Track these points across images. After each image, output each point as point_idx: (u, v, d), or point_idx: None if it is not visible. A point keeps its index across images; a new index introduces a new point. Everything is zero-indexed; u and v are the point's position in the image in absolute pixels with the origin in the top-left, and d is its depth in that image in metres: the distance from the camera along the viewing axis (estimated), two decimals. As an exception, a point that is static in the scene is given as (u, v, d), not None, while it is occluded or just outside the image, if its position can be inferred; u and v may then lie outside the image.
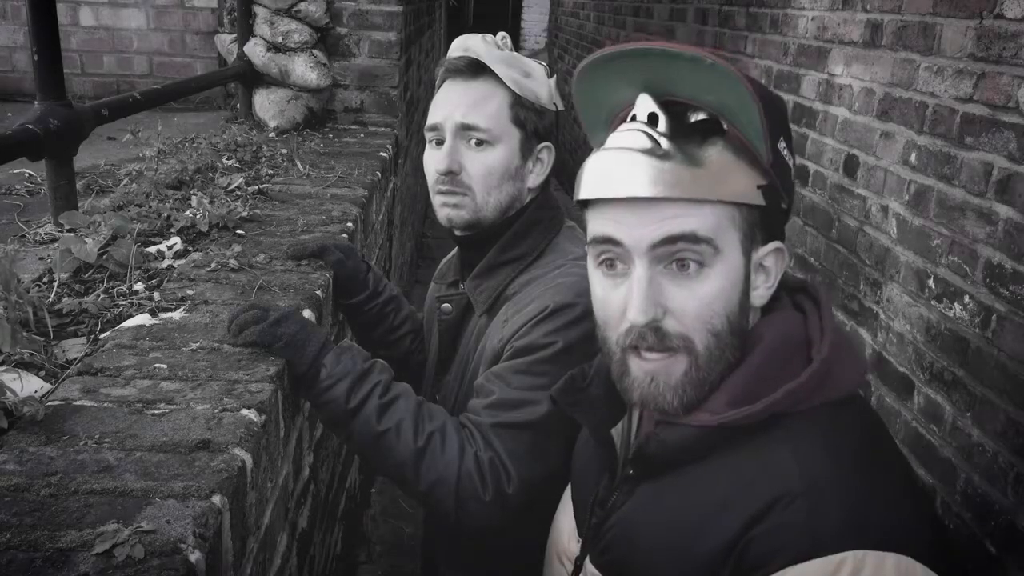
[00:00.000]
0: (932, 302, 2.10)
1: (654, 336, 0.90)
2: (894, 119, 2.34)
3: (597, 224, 0.95)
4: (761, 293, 0.95)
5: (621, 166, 0.90)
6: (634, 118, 0.93)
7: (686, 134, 0.91)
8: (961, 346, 1.97)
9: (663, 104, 0.92)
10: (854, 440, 0.90)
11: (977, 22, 1.96)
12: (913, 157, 2.23)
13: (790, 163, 0.96)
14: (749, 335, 0.94)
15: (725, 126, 0.92)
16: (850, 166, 2.59)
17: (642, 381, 0.93)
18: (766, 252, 0.94)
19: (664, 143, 0.89)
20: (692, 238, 0.88)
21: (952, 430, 1.99)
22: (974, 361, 1.91)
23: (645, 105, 0.92)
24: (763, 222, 0.94)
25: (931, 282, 2.11)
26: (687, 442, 0.92)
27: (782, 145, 0.94)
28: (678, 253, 0.89)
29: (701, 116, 0.93)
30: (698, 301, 0.90)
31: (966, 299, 1.96)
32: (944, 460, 2.01)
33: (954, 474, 1.97)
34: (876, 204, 2.42)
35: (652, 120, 0.91)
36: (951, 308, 2.02)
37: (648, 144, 0.89)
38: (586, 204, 0.97)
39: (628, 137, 0.91)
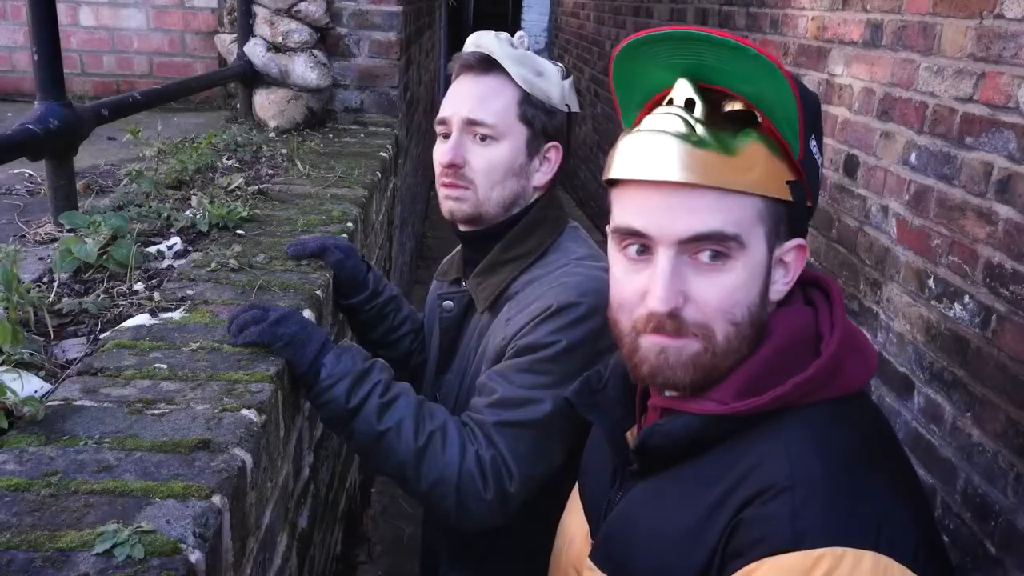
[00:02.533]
0: (932, 302, 2.10)
1: (672, 324, 0.90)
2: (894, 119, 2.34)
3: (624, 213, 0.94)
4: (779, 288, 0.95)
5: (655, 148, 0.89)
6: (671, 102, 0.92)
7: (720, 123, 0.90)
8: (961, 346, 1.97)
9: (699, 90, 0.91)
10: (851, 437, 0.89)
11: (977, 22, 1.96)
12: (913, 157, 2.23)
13: (819, 161, 0.96)
14: (765, 332, 0.94)
15: (760, 118, 0.91)
16: (850, 166, 2.59)
17: (651, 352, 0.92)
18: (788, 248, 0.95)
19: (700, 129, 0.89)
20: (719, 237, 0.88)
21: (952, 430, 1.99)
22: (974, 361, 1.91)
23: (683, 90, 0.91)
24: (788, 218, 0.93)
25: (931, 282, 2.11)
26: (691, 432, 0.92)
27: (813, 143, 0.94)
28: (704, 247, 0.89)
29: (737, 106, 0.92)
30: (721, 292, 0.89)
31: (966, 299, 1.96)
32: (944, 460, 2.01)
33: (954, 474, 1.97)
34: (876, 204, 2.42)
35: (688, 106, 0.91)
36: (951, 308, 2.02)
37: (684, 129, 0.89)
38: (613, 184, 0.97)
39: (664, 120, 0.91)
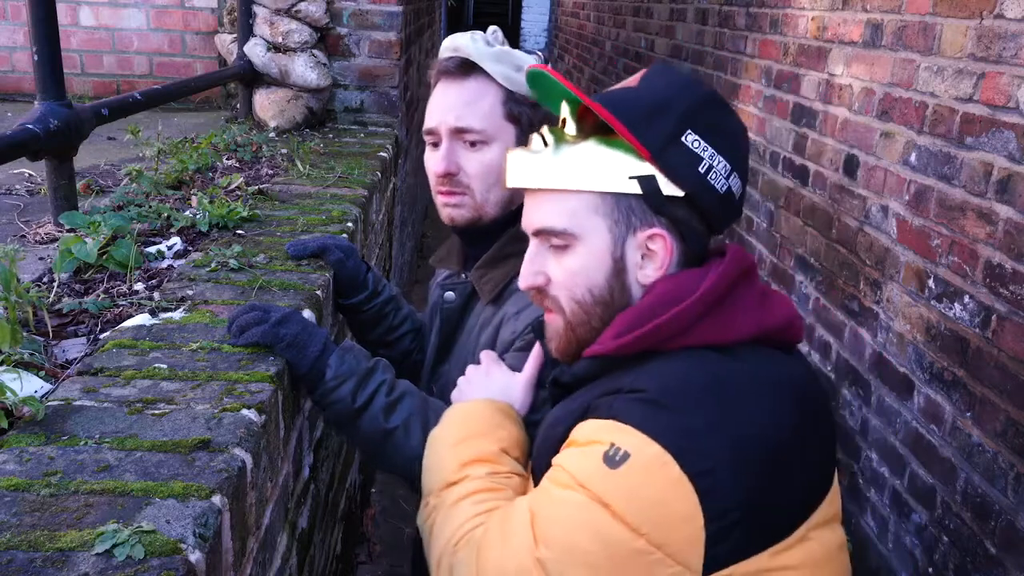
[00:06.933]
0: (932, 302, 2.10)
1: (538, 298, 1.12)
2: (894, 119, 2.34)
3: None
4: (648, 273, 1.05)
5: (514, 161, 1.10)
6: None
7: (583, 133, 1.04)
8: (961, 346, 1.97)
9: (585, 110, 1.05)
10: (711, 373, 0.95)
11: (977, 22, 1.96)
12: (913, 157, 2.23)
13: (703, 154, 1.01)
14: (648, 289, 1.04)
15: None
16: (850, 166, 2.59)
17: (548, 326, 1.12)
18: (644, 237, 1.03)
19: (549, 140, 1.05)
20: (550, 231, 1.06)
21: (952, 430, 1.99)
22: (974, 361, 1.91)
23: (562, 110, 1.07)
24: (648, 208, 1.02)
25: (931, 282, 2.11)
26: (587, 370, 1.06)
27: (691, 138, 1.01)
28: (547, 238, 1.07)
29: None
30: (563, 272, 1.07)
31: (966, 299, 1.96)
32: (944, 460, 2.01)
33: (954, 474, 1.97)
34: (876, 204, 2.42)
35: (563, 123, 1.06)
36: (951, 308, 2.02)
37: (539, 144, 1.06)
38: None
39: (533, 137, 1.08)
